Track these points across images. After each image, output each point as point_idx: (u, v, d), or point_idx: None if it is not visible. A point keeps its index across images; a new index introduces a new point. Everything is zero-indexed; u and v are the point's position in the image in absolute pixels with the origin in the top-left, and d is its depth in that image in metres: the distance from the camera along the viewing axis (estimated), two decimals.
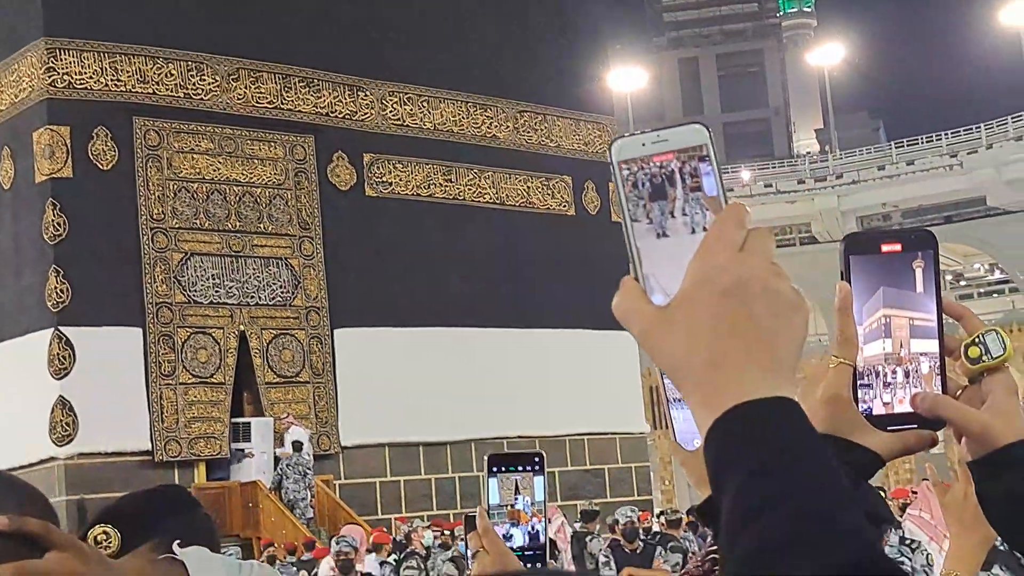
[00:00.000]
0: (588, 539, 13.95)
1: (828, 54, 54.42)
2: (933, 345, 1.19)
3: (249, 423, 19.24)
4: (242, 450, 19.04)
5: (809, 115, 59.66)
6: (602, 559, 11.23)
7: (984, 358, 1.22)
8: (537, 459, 1.86)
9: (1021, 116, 43.60)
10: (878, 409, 1.19)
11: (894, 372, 1.19)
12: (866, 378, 1.20)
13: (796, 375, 0.92)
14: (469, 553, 1.77)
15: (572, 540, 13.68)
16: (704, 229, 0.94)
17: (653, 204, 0.95)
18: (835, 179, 48.31)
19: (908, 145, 48.28)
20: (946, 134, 46.91)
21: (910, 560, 8.29)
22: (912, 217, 47.22)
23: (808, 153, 53.99)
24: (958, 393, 1.23)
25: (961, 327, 1.25)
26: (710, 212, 0.94)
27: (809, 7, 66.33)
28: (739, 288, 0.90)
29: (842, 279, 1.19)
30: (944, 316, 1.19)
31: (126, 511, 2.52)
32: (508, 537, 1.79)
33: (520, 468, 1.84)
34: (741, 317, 0.89)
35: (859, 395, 1.20)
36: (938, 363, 1.19)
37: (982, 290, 53.05)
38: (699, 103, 61.63)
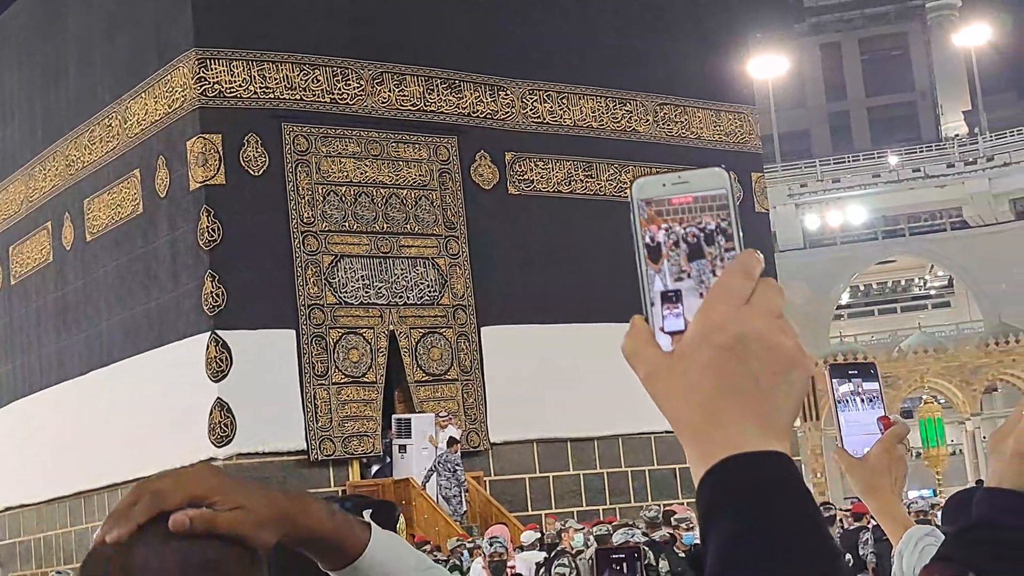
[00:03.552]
0: None
1: (974, 35, 52.90)
2: None
3: (409, 419, 19.53)
4: (403, 446, 19.33)
5: (956, 97, 58.10)
6: None
7: None
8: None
9: None
10: None
11: None
12: None
13: (791, 430, 0.93)
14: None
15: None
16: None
17: (691, 264, 0.96)
18: (986, 162, 46.98)
19: None
20: None
21: None
22: None
23: (957, 136, 52.61)
24: None
25: None
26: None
27: None
28: (740, 344, 0.91)
29: None
30: None
31: (368, 504, 2.58)
32: None
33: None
34: (740, 374, 0.90)
35: None
36: None
37: None
38: (842, 88, 60.50)
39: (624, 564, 2.10)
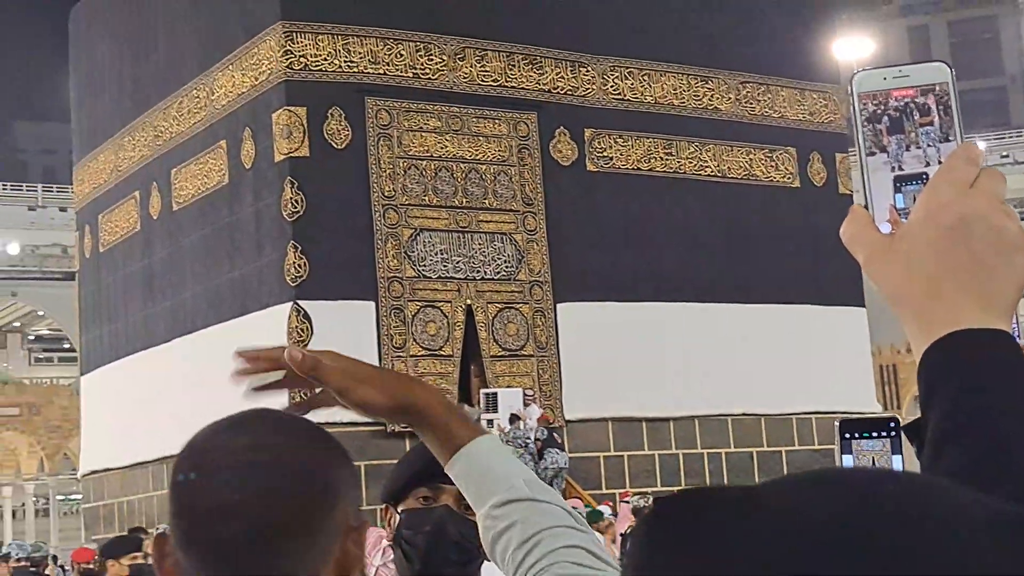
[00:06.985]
0: None
1: None
2: None
3: (496, 393, 19.58)
4: (491, 420, 19.38)
5: None
6: None
7: None
8: (893, 425, 1.69)
9: None
10: None
11: None
12: None
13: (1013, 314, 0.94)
14: None
15: None
16: (938, 163, 0.98)
17: (891, 138, 1.00)
18: None
19: None
20: None
21: None
22: None
23: None
24: None
25: None
26: (943, 148, 0.99)
27: None
28: (963, 225, 0.92)
29: None
30: None
31: None
32: None
33: (876, 435, 1.65)
34: (963, 254, 0.91)
35: None
36: None
37: None
38: None
39: None
